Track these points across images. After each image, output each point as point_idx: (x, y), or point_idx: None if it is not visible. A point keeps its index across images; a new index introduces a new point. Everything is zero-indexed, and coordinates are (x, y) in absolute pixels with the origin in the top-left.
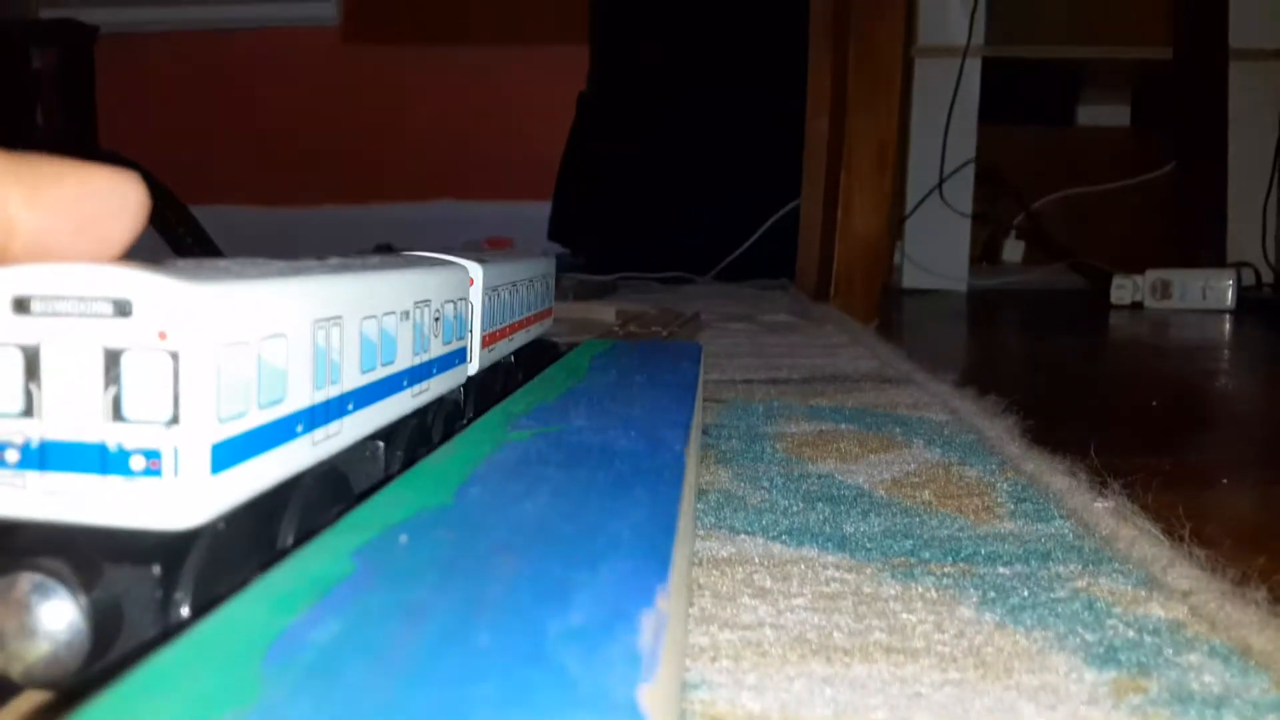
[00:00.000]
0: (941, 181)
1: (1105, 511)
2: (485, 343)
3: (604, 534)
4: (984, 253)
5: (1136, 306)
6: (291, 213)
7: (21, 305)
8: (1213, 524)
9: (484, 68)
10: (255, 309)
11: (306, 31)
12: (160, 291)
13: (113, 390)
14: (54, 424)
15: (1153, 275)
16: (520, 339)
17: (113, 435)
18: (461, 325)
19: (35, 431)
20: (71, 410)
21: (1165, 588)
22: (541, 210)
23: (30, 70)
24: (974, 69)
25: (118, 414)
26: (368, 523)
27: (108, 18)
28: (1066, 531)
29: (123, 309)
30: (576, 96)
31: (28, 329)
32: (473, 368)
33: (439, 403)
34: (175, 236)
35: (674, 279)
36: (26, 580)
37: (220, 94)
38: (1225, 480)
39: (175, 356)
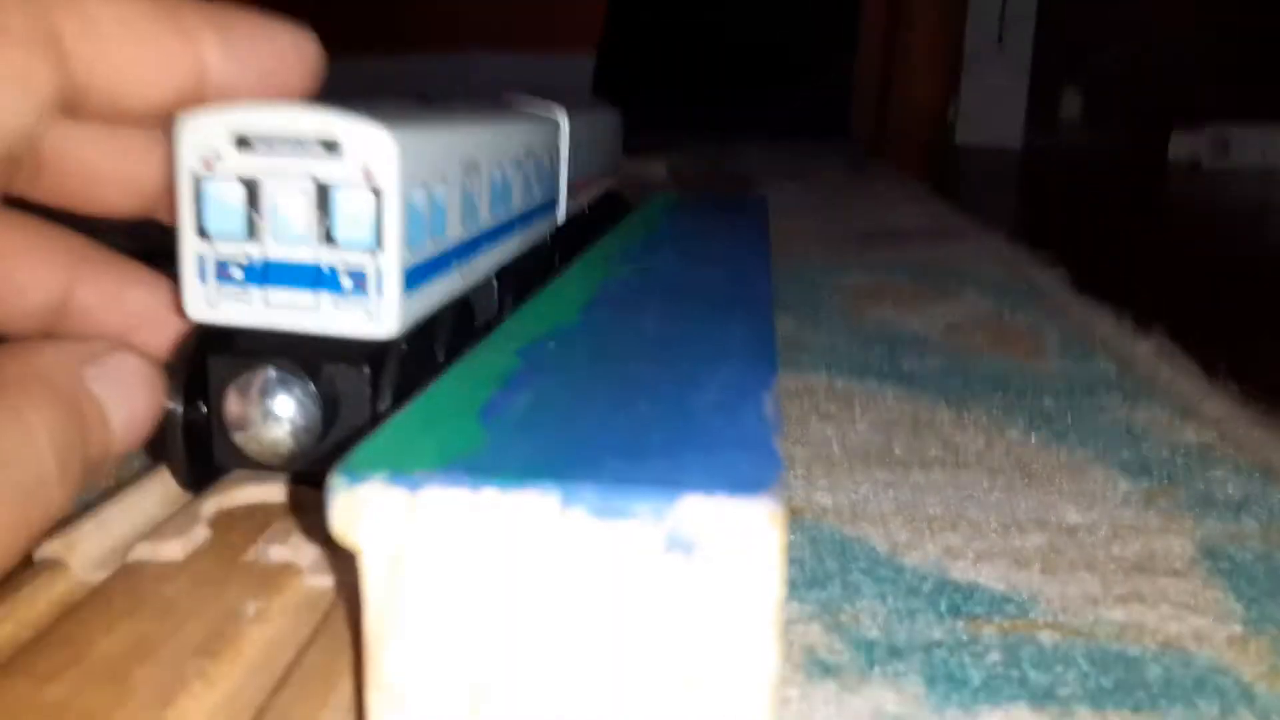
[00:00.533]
0: (1001, 34)
1: (1147, 353)
2: (571, 192)
3: (716, 343)
4: (1041, 109)
5: (1195, 166)
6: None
7: (244, 143)
8: (1248, 366)
9: None
10: (431, 153)
11: None
12: (364, 135)
13: (324, 219)
14: (274, 247)
15: (1212, 131)
16: (596, 189)
17: (325, 258)
18: (553, 174)
19: (258, 253)
20: (289, 236)
21: (1199, 417)
22: (584, 63)
23: None
24: None
25: (329, 240)
26: (519, 333)
27: None
28: (1110, 370)
29: (332, 149)
30: None
31: (249, 165)
32: (560, 216)
33: (535, 247)
34: None
35: (723, 134)
36: (266, 373)
37: None
38: (1267, 332)
39: (378, 193)
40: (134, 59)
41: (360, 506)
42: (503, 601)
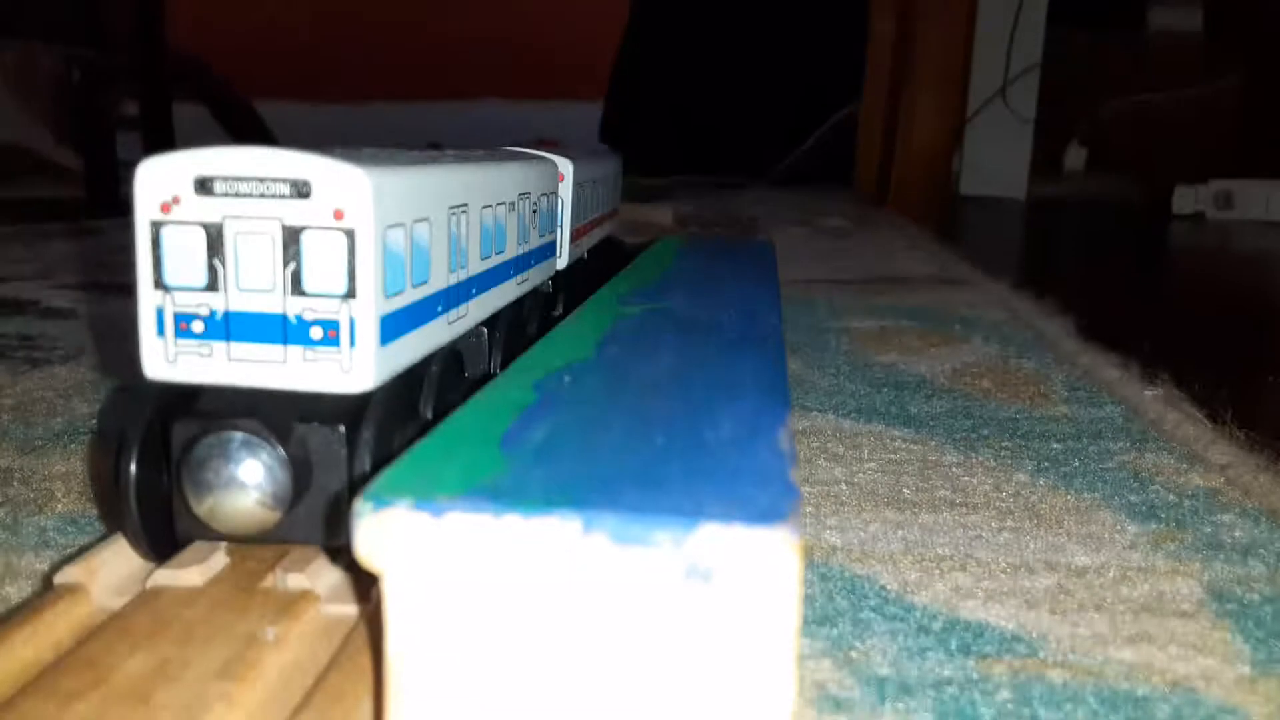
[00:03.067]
0: (1005, 86)
1: (1153, 398)
2: (573, 237)
3: (729, 379)
4: (1045, 160)
5: (1198, 217)
6: (340, 109)
7: (204, 186)
8: (1255, 411)
9: None
10: (409, 193)
11: None
12: (335, 174)
13: (292, 266)
14: (237, 297)
15: (1215, 185)
16: (598, 235)
17: (293, 307)
18: (553, 219)
19: (220, 304)
20: (253, 284)
21: (1205, 462)
22: (592, 111)
23: None
24: None
25: (297, 288)
26: (535, 367)
27: None
28: (1116, 415)
29: (301, 190)
30: None
31: (211, 208)
32: (561, 261)
33: (533, 293)
34: (235, 129)
35: (728, 182)
36: (231, 438)
37: None
38: (1272, 377)
39: (350, 235)
40: None
41: (385, 531)
42: (522, 624)
